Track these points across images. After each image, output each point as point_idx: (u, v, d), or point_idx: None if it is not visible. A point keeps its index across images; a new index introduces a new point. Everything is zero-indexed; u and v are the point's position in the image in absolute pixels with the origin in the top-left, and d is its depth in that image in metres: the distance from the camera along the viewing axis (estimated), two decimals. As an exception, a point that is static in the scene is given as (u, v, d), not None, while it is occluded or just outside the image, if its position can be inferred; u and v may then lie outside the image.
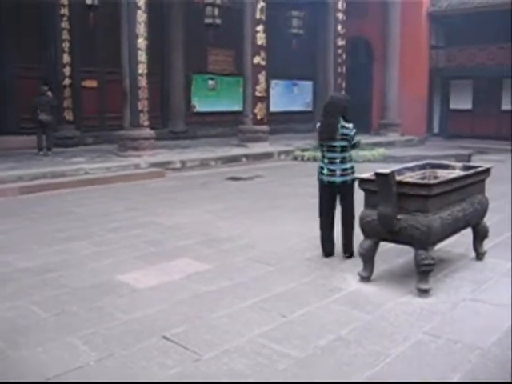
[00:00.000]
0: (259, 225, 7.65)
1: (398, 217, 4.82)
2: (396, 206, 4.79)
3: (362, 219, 5.15)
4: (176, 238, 6.92)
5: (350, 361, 3.68)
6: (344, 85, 18.72)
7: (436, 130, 23.26)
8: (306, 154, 15.27)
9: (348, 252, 5.99)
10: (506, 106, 21.29)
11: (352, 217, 5.95)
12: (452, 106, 22.90)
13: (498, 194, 10.05)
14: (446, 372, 3.55)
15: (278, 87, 21.92)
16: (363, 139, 18.61)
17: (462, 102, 22.41)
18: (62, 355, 3.76)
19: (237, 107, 18.78)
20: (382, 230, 4.97)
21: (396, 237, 4.95)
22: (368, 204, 5.12)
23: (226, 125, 19.01)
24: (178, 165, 12.99)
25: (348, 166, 5.86)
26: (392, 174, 4.75)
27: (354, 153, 14.83)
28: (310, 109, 23.20)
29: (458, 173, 5.78)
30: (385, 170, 4.83)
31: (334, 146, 5.78)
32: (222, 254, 6.19)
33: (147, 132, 13.47)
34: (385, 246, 5.72)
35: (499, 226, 7.48)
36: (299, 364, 3.62)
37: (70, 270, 5.62)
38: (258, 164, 14.47)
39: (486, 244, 6.35)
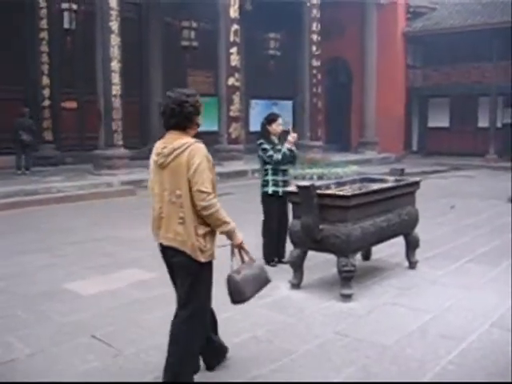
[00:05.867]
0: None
1: (321, 227, 5.21)
2: (317, 216, 5.18)
3: (289, 229, 5.54)
4: (130, 250, 7.30)
5: (256, 356, 4.06)
6: (320, 104, 19.21)
7: (415, 148, 23.72)
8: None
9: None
10: (482, 124, 21.77)
11: (265, 227, 6.68)
12: (430, 124, 23.38)
13: (457, 208, 10.48)
14: (342, 366, 3.91)
15: (257, 107, 22.38)
16: (342, 157, 19.32)
17: (439, 120, 22.89)
18: (-3, 351, 4.15)
19: (215, 127, 19.15)
20: (307, 240, 5.35)
21: (319, 245, 5.34)
22: (295, 215, 5.51)
23: (205, 144, 19.28)
24: (151, 183, 13.35)
25: (266, 178, 6.49)
26: (312, 186, 5.15)
27: (326, 170, 15.23)
28: (288, 127, 23.58)
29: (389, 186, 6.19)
30: (306, 182, 5.23)
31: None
32: (169, 265, 6.56)
33: (121, 151, 13.91)
34: (324, 257, 6.09)
35: (442, 238, 7.92)
36: (208, 358, 3.99)
37: (22, 279, 6.00)
38: (231, 182, 14.85)
39: (426, 254, 6.77)
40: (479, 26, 20.25)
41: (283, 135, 6.54)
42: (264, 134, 6.41)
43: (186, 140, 3.37)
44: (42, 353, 4.11)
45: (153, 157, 3.47)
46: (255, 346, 4.23)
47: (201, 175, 3.28)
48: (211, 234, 3.43)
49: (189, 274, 3.41)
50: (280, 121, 6.44)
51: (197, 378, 3.60)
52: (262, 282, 3.69)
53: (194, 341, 3.48)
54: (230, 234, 3.44)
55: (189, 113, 3.42)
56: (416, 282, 5.89)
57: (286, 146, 6.30)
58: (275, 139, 6.40)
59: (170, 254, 3.43)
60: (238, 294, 3.54)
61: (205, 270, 3.43)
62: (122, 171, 13.65)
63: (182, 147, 3.33)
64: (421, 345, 4.28)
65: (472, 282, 5.85)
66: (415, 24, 22.38)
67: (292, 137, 6.33)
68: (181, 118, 3.41)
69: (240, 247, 3.52)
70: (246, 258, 3.59)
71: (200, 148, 3.36)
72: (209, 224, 3.37)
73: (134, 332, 4.49)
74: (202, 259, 3.36)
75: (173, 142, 3.37)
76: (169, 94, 3.45)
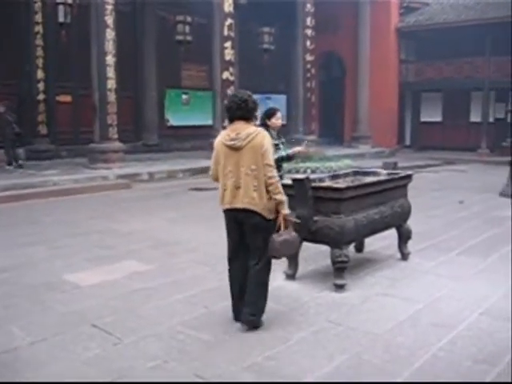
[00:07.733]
0: (207, 231, 8.09)
1: (315, 218, 5.34)
2: (312, 208, 5.30)
3: (285, 221, 5.65)
4: (128, 242, 7.41)
5: (253, 343, 4.18)
6: (313, 99, 19.31)
7: (408, 142, 23.88)
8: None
9: None
10: (474, 118, 21.94)
11: None
12: (423, 118, 23.55)
13: (450, 201, 10.63)
14: (335, 353, 4.03)
15: (251, 101, 22.44)
16: (335, 151, 19.49)
17: (432, 114, 23.06)
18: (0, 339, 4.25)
19: (210, 121, 19.17)
20: (302, 231, 5.47)
21: (314, 237, 5.45)
22: (290, 207, 5.62)
23: (199, 138, 19.33)
24: (146, 176, 13.49)
25: None
26: (307, 179, 5.27)
27: (320, 164, 15.38)
28: (283, 122, 23.69)
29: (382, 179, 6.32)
30: (301, 175, 5.35)
31: None
32: (166, 256, 6.69)
33: (116, 145, 14.00)
34: (318, 248, 6.19)
35: (434, 231, 8.06)
36: (206, 346, 4.13)
37: (23, 270, 6.11)
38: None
39: (418, 246, 6.90)
40: (473, 21, 20.38)
41: (281, 130, 6.61)
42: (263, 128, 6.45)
43: (255, 128, 4.43)
44: (44, 341, 4.21)
45: (226, 143, 4.39)
46: (251, 333, 4.35)
47: (268, 153, 4.36)
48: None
49: (261, 229, 4.40)
50: (279, 115, 6.46)
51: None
52: (294, 247, 4.66)
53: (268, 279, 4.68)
54: (281, 204, 4.41)
55: (251, 108, 4.44)
56: (408, 273, 6.01)
57: (288, 151, 6.37)
58: (274, 134, 6.45)
59: (243, 215, 4.39)
60: (275, 252, 4.40)
61: (270, 225, 4.43)
62: (117, 165, 13.75)
63: (254, 133, 4.36)
64: (412, 333, 4.41)
65: (462, 273, 5.97)
66: (408, 19, 22.52)
67: (299, 151, 6.48)
68: (245, 111, 4.41)
69: (285, 217, 4.43)
70: (288, 226, 4.48)
71: (266, 134, 4.47)
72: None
73: (133, 321, 4.61)
74: (270, 217, 4.40)
75: (244, 129, 4.36)
76: (235, 93, 4.69)
